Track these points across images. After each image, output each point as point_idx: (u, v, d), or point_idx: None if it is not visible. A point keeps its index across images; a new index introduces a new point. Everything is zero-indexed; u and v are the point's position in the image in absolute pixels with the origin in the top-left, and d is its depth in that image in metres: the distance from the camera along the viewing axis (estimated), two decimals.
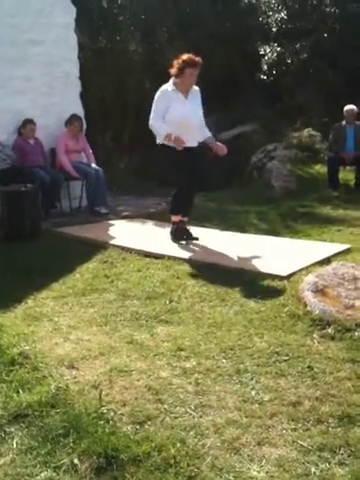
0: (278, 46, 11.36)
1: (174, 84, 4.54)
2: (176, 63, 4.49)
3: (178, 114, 4.47)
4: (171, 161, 4.58)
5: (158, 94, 4.59)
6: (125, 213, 6.46)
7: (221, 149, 4.67)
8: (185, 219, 4.88)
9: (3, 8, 5.94)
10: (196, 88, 4.66)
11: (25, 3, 6.19)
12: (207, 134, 4.74)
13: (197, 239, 4.76)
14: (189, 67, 4.44)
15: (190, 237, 4.78)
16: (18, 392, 2.32)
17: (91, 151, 6.69)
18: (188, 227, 4.90)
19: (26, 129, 6.13)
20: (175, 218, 4.79)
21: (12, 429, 2.11)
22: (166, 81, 4.65)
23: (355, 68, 9.98)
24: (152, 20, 10.73)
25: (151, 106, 4.60)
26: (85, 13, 8.59)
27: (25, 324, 3.14)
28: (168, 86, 4.57)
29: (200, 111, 4.68)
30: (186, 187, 4.67)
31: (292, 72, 10.89)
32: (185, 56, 4.47)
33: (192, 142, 4.61)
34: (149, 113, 4.61)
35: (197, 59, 4.47)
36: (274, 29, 11.86)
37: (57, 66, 6.57)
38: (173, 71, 4.52)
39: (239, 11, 11.61)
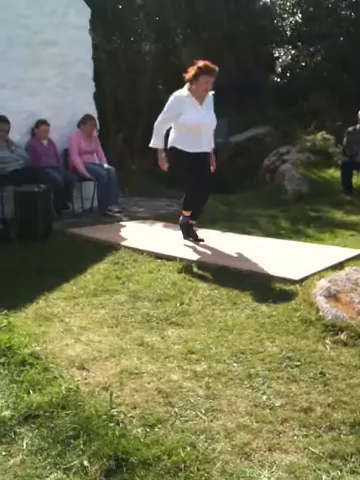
0: (292, 49, 11.32)
1: (189, 90, 4.49)
2: (191, 69, 4.43)
3: (192, 119, 4.44)
4: (179, 165, 4.59)
5: (171, 99, 4.54)
6: (137, 214, 6.47)
7: (212, 166, 4.73)
8: (193, 222, 4.87)
9: (17, 9, 5.97)
10: (210, 94, 4.60)
11: (39, 4, 6.22)
12: (212, 145, 4.75)
13: (203, 240, 4.79)
14: (204, 74, 4.37)
15: (196, 239, 4.81)
16: (29, 393, 2.32)
17: (103, 153, 6.71)
18: (196, 229, 4.92)
19: (39, 130, 6.17)
20: (186, 212, 4.82)
21: (22, 430, 2.11)
22: (179, 82, 4.62)
23: None
24: (166, 21, 10.74)
25: (163, 108, 4.59)
26: (100, 14, 8.61)
27: (36, 324, 3.15)
28: (182, 91, 4.53)
29: (214, 118, 4.64)
30: (194, 192, 4.66)
31: (306, 75, 10.85)
32: (201, 63, 4.40)
33: (204, 147, 4.59)
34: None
35: (213, 67, 4.39)
36: (289, 32, 11.83)
37: (71, 67, 6.60)
38: (188, 77, 4.46)
39: (253, 13, 11.59)
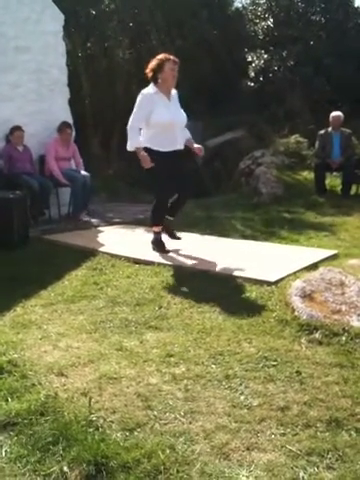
0: (265, 53, 11.48)
1: (156, 87, 4.43)
2: (152, 65, 4.39)
3: (164, 117, 4.38)
4: (154, 167, 4.36)
5: (140, 98, 4.42)
6: (114, 220, 6.47)
7: (199, 149, 4.63)
8: (170, 218, 4.78)
9: None
10: (174, 91, 4.56)
11: (12, 11, 6.20)
12: (187, 135, 4.68)
13: (180, 239, 4.74)
14: (167, 62, 4.34)
15: (173, 236, 4.76)
16: (7, 400, 2.32)
17: (80, 159, 6.71)
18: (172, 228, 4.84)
19: (14, 136, 6.13)
20: (156, 228, 4.69)
21: (1, 438, 2.10)
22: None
23: (341, 75, 10.12)
24: (140, 27, 10.79)
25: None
26: (73, 20, 8.61)
27: (14, 332, 3.13)
28: (150, 89, 4.45)
29: (183, 113, 4.59)
30: (166, 196, 4.58)
31: (279, 79, 11.01)
32: (159, 56, 4.39)
33: (177, 145, 4.53)
34: None
35: (172, 56, 4.38)
36: (261, 36, 12.00)
37: (45, 73, 6.58)
38: (151, 74, 4.40)
39: (226, 18, 11.72)
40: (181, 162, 4.59)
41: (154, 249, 4.66)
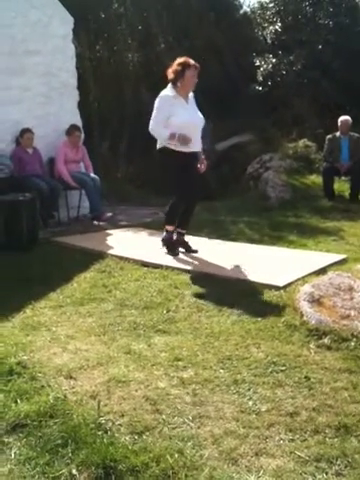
0: (273, 57, 11.47)
1: (174, 89, 4.45)
2: (174, 68, 4.42)
3: (183, 119, 4.39)
4: (172, 166, 4.43)
5: (159, 100, 4.46)
6: (122, 222, 6.49)
7: (203, 167, 4.67)
8: (183, 231, 4.81)
9: (1, 19, 5.99)
10: (191, 93, 4.60)
11: (23, 14, 6.25)
12: (200, 145, 4.71)
13: (196, 252, 4.71)
14: (189, 69, 4.38)
15: (190, 250, 4.73)
16: (16, 402, 2.32)
17: (90, 162, 6.74)
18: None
19: (24, 138, 6.17)
20: (169, 227, 4.73)
21: (10, 439, 2.11)
22: (162, 91, 4.62)
23: (349, 79, 10.09)
24: (148, 30, 10.83)
25: (148, 116, 4.58)
26: (83, 23, 8.66)
27: (23, 334, 3.14)
28: (168, 91, 4.47)
29: (202, 117, 4.62)
30: (186, 196, 4.58)
31: (287, 83, 11.00)
32: (181, 59, 4.41)
33: (196, 147, 4.56)
34: (146, 123, 4.56)
35: (193, 61, 4.41)
36: (269, 41, 11.99)
37: (54, 76, 6.63)
38: (171, 77, 4.44)
39: (234, 22, 11.74)
40: (196, 165, 4.60)
41: (163, 247, 4.68)
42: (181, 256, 4.63)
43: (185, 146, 4.42)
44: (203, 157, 4.73)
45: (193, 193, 4.63)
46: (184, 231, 4.83)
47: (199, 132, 4.61)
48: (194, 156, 4.57)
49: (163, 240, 4.75)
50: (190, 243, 4.82)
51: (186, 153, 4.45)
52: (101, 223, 6.35)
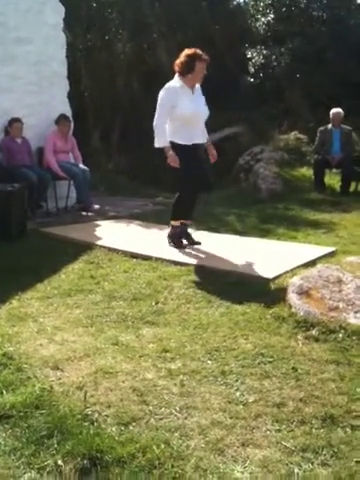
0: (265, 49, 11.43)
1: (181, 80, 4.36)
2: (182, 60, 4.30)
3: (188, 110, 4.33)
4: (180, 160, 4.31)
5: (164, 92, 4.35)
6: (112, 214, 6.46)
7: (213, 156, 4.62)
8: (188, 222, 4.76)
9: None
10: (198, 84, 4.51)
11: (14, 2, 6.16)
12: (207, 135, 4.66)
13: (199, 244, 4.67)
14: (200, 61, 4.28)
15: (193, 242, 4.70)
16: (2, 393, 2.31)
17: (79, 153, 6.68)
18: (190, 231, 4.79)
19: (13, 128, 6.10)
20: (175, 223, 4.66)
21: None
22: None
23: (342, 71, 10.09)
24: (140, 20, 10.74)
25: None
26: (74, 12, 8.56)
27: (9, 325, 3.12)
28: (175, 83, 4.39)
29: (207, 107, 4.55)
30: (190, 191, 4.52)
31: (279, 75, 10.97)
32: (190, 51, 4.30)
33: (201, 138, 4.50)
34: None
35: (203, 53, 4.30)
36: (262, 32, 11.95)
37: (45, 65, 6.55)
38: (180, 68, 4.32)
39: (227, 13, 11.67)
40: (203, 156, 4.54)
41: (170, 244, 4.64)
42: (171, 248, 4.61)
43: (186, 139, 4.37)
44: (212, 147, 4.65)
45: (204, 183, 4.51)
46: (188, 222, 4.77)
47: (203, 123, 4.55)
48: (198, 147, 4.49)
49: (169, 237, 4.69)
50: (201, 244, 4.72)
51: (188, 146, 4.39)
52: (90, 214, 6.32)
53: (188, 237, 4.73)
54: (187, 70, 4.31)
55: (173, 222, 4.67)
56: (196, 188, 4.54)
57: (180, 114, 4.33)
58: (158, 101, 4.38)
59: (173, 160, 4.31)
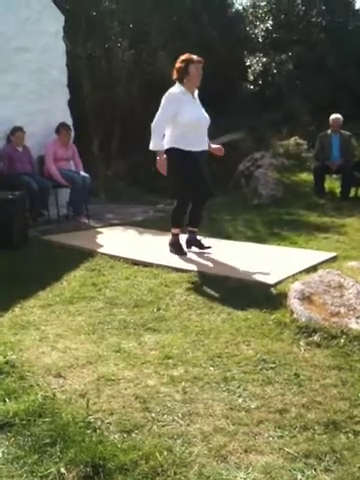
0: (264, 56, 11.48)
1: (182, 86, 4.38)
2: (177, 66, 4.36)
3: (192, 116, 4.34)
4: (176, 168, 4.33)
5: (167, 97, 4.35)
6: (113, 221, 6.47)
7: (219, 150, 4.62)
8: (195, 229, 4.76)
9: None
10: (196, 92, 4.54)
11: (13, 11, 6.21)
12: (208, 141, 4.66)
13: (210, 247, 4.68)
14: (192, 63, 4.33)
15: (202, 247, 4.71)
16: (4, 401, 2.31)
17: (80, 160, 6.71)
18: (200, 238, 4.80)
19: (15, 137, 6.14)
20: (175, 230, 4.66)
21: None
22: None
23: (341, 78, 10.13)
24: (140, 28, 10.79)
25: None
26: (73, 21, 8.61)
27: (12, 333, 3.12)
28: (176, 88, 4.40)
29: (206, 114, 4.55)
30: (187, 200, 4.53)
31: (278, 82, 11.02)
32: (183, 56, 4.36)
33: (203, 145, 4.49)
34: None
35: (195, 56, 4.36)
36: (260, 39, 12.00)
37: (45, 73, 6.59)
38: (176, 75, 4.38)
39: (227, 20, 11.73)
40: (204, 165, 4.53)
41: (172, 251, 4.64)
42: (172, 254, 4.62)
43: (192, 145, 4.36)
44: (213, 145, 4.64)
45: (206, 190, 4.53)
46: (196, 229, 4.77)
47: (206, 130, 4.55)
48: (203, 154, 4.49)
49: (170, 245, 4.68)
50: (212, 247, 4.73)
51: (194, 152, 4.38)
52: (84, 221, 6.31)
53: (198, 244, 4.74)
54: (183, 75, 4.37)
55: (173, 230, 4.68)
56: (196, 197, 4.55)
57: (185, 121, 4.33)
58: (161, 104, 4.38)
59: (161, 166, 4.32)
